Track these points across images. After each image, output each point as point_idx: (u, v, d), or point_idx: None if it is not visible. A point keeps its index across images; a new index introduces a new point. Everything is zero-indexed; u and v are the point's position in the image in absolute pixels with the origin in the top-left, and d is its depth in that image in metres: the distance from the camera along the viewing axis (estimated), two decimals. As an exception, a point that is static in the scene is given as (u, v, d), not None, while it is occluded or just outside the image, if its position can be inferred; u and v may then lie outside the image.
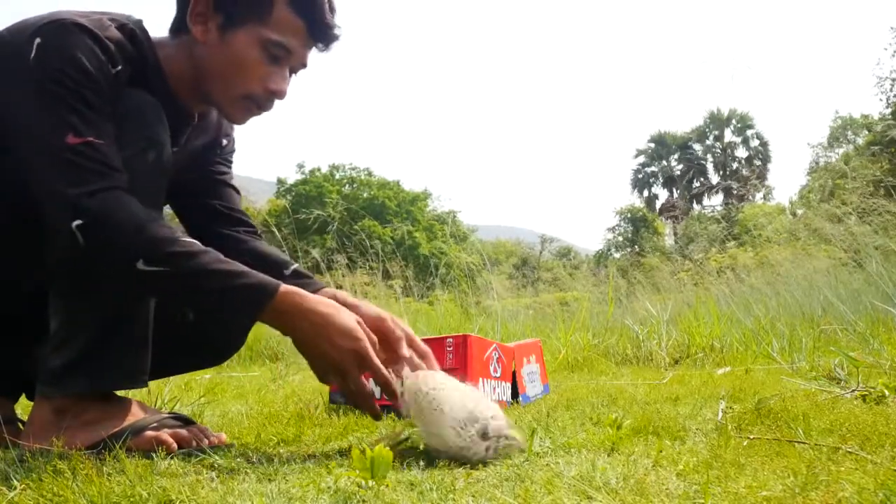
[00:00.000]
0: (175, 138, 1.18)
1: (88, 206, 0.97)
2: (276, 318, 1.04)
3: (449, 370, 1.51)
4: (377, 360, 1.08)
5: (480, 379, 1.55)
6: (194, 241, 1.03)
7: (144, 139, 1.08)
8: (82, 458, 0.89)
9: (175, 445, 1.05)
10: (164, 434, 1.06)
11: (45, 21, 1.03)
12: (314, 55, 1.22)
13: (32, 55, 1.00)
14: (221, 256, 1.03)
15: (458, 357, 1.51)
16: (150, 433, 1.06)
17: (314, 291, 1.16)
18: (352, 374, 1.08)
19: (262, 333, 3.97)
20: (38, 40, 1.01)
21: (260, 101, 1.18)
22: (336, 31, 1.18)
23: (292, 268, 1.33)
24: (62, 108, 0.99)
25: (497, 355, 1.65)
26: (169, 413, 1.16)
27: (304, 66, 1.20)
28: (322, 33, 1.17)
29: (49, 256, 1.04)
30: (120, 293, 1.08)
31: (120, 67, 1.06)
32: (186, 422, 1.14)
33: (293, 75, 1.21)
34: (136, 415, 1.10)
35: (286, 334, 1.06)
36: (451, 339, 1.54)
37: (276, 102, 1.20)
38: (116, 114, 1.05)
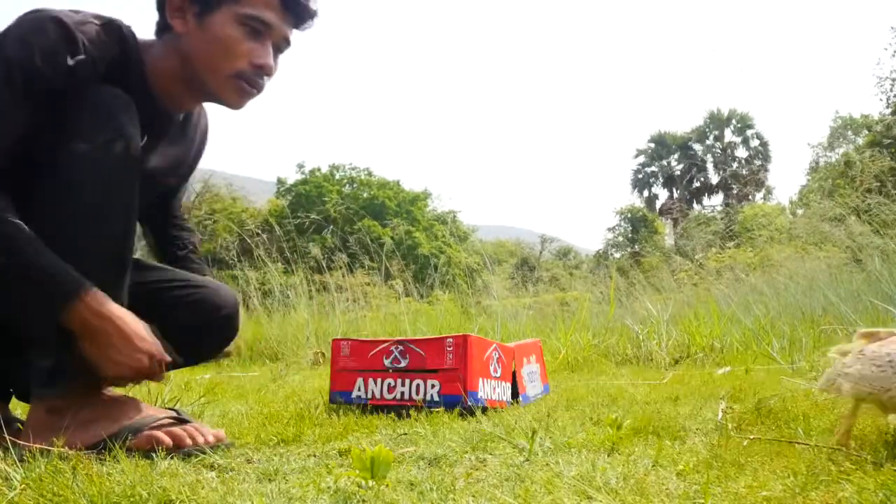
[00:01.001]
0: (151, 135, 1.20)
1: None
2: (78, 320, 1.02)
3: (448, 370, 1.51)
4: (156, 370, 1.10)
5: (480, 379, 1.55)
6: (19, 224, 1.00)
7: (111, 130, 1.08)
8: (82, 457, 0.89)
9: (171, 443, 1.05)
10: (161, 433, 1.06)
11: (26, 13, 1.07)
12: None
13: None
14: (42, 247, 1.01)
15: (457, 357, 1.52)
16: (147, 432, 1.06)
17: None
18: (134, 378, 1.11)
19: (262, 334, 3.97)
20: (9, 27, 1.05)
21: (249, 79, 1.19)
22: (311, 6, 1.21)
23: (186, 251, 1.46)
24: None
25: (497, 355, 1.65)
26: (167, 410, 1.17)
27: (287, 43, 1.22)
28: (295, 4, 1.19)
29: None
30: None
31: (83, 57, 1.07)
32: (183, 421, 1.14)
33: (279, 54, 1.23)
34: (133, 413, 1.10)
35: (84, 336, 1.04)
36: (451, 339, 1.54)
37: (269, 85, 1.23)
38: (78, 105, 1.06)
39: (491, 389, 1.60)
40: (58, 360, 1.06)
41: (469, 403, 1.47)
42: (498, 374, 1.65)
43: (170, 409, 1.19)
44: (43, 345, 1.06)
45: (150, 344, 1.08)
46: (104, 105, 1.09)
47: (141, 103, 1.13)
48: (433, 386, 1.52)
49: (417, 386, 1.53)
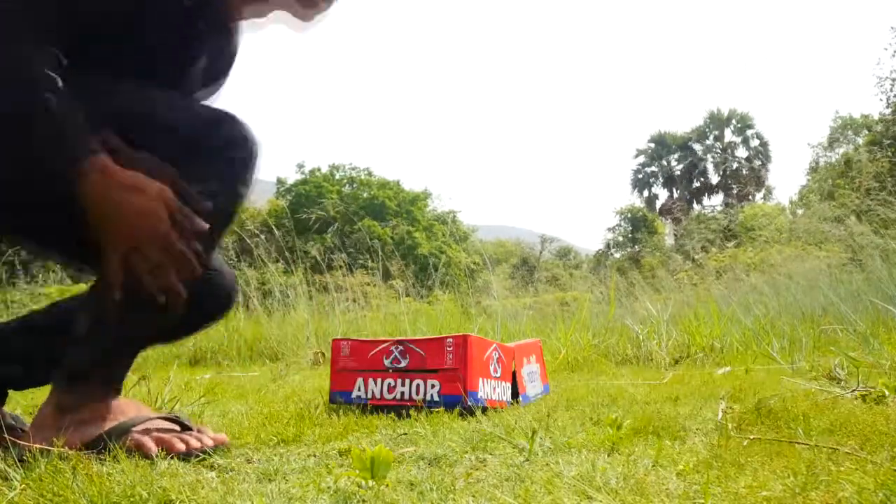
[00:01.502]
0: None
1: None
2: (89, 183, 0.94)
3: (448, 370, 1.51)
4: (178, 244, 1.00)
5: (480, 379, 1.55)
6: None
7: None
8: (82, 457, 0.89)
9: (154, 451, 0.99)
10: (146, 439, 1.02)
11: None
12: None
13: None
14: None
15: (457, 357, 1.52)
16: (134, 436, 1.02)
17: None
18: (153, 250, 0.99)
19: (262, 334, 3.97)
20: None
21: None
22: None
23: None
24: None
25: (497, 355, 1.65)
26: (164, 414, 1.13)
27: None
28: None
29: None
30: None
31: None
32: (183, 425, 1.10)
33: None
34: (124, 415, 1.06)
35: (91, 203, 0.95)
36: (451, 339, 1.54)
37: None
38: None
39: (491, 389, 1.60)
40: (80, 359, 1.04)
41: (469, 403, 1.47)
42: (498, 374, 1.65)
43: (171, 415, 1.14)
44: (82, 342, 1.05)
45: (165, 190, 0.98)
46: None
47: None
48: (433, 386, 1.52)
49: (417, 386, 1.53)
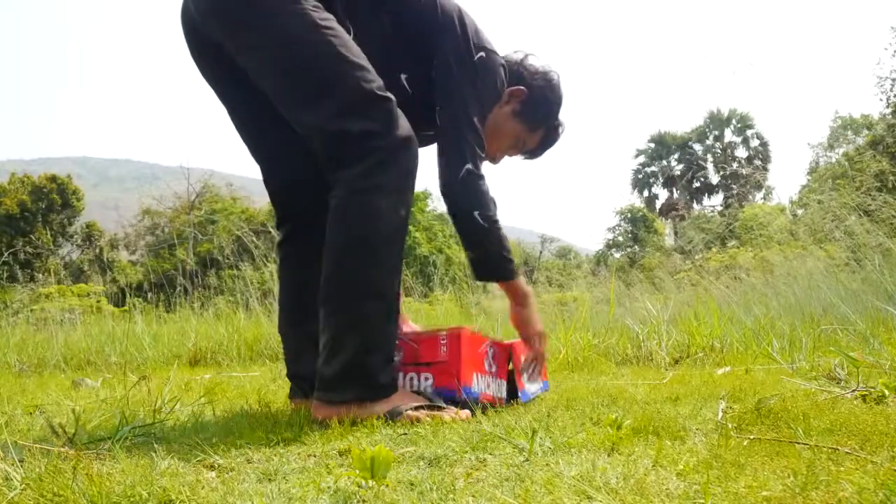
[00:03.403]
0: None
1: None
2: (511, 289, 1.70)
3: (442, 363, 1.50)
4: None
5: (474, 374, 1.54)
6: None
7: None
8: (82, 457, 0.89)
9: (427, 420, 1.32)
10: (420, 414, 1.34)
11: None
12: None
13: None
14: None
15: (451, 350, 1.50)
16: (408, 412, 1.33)
17: None
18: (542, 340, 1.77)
19: (262, 334, 3.97)
20: None
21: None
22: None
23: None
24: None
25: (492, 351, 1.65)
26: (422, 398, 1.43)
27: None
28: None
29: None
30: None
31: None
32: (437, 406, 1.40)
33: None
34: (406, 401, 1.39)
35: (515, 301, 1.71)
36: (444, 333, 1.52)
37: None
38: None
39: (485, 385, 1.59)
40: (335, 372, 1.34)
41: (463, 397, 1.47)
42: (493, 370, 1.64)
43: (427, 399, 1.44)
44: (329, 355, 1.36)
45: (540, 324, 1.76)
46: None
47: None
48: (426, 379, 1.51)
49: (411, 379, 1.52)
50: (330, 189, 1.40)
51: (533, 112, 1.78)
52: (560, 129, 1.88)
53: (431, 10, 1.57)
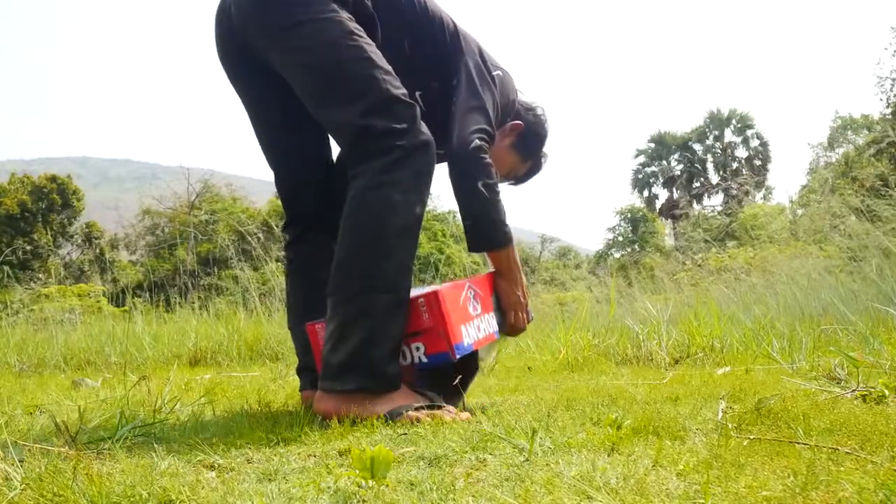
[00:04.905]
0: None
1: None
2: (500, 259, 1.69)
3: (427, 330, 1.46)
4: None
5: (462, 327, 1.50)
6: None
7: None
8: (82, 457, 0.89)
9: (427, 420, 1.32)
10: (420, 414, 1.34)
11: None
12: None
13: None
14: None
15: (433, 314, 1.45)
16: (408, 413, 1.33)
17: None
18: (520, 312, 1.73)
19: (262, 334, 3.97)
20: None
21: None
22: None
23: None
24: None
25: (473, 293, 1.60)
26: (424, 398, 1.43)
27: None
28: None
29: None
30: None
31: None
32: (437, 406, 1.40)
33: None
34: (409, 400, 1.39)
35: (500, 272, 1.70)
36: (422, 300, 1.46)
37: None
38: None
39: (476, 330, 1.55)
40: (341, 361, 1.36)
41: (457, 357, 1.44)
42: (478, 311, 1.60)
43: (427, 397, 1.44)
44: (336, 344, 1.38)
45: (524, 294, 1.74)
46: None
47: None
48: (418, 349, 1.47)
49: (403, 352, 1.48)
50: (337, 191, 1.47)
51: (527, 145, 1.95)
52: (544, 160, 2.05)
53: (453, 38, 1.71)
